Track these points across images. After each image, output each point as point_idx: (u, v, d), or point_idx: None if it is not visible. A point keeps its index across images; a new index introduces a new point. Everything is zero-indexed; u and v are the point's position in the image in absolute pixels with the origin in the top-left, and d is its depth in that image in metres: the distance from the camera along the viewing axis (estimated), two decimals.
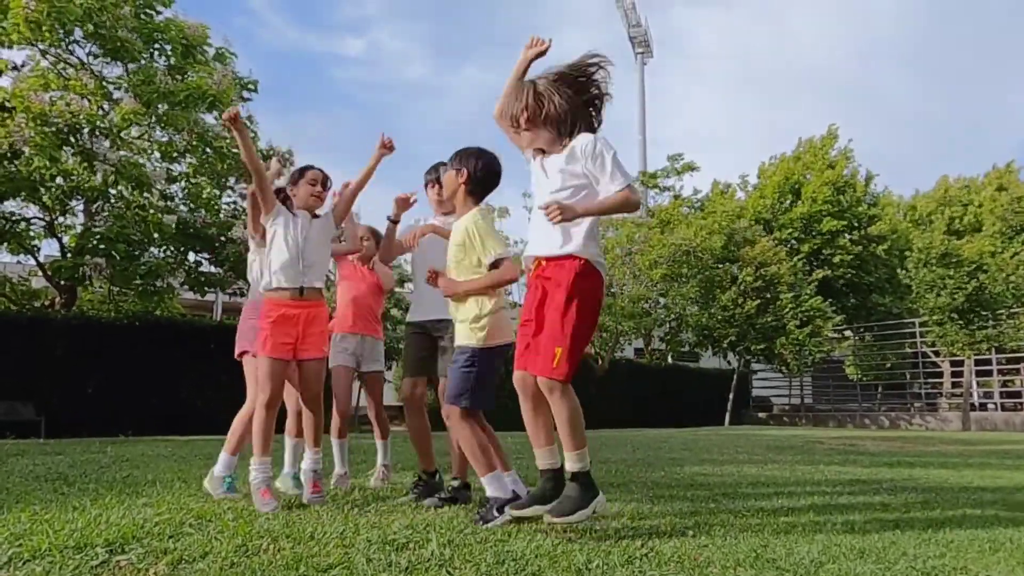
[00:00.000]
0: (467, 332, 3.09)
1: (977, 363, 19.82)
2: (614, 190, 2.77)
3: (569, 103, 2.87)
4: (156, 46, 11.44)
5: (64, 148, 10.08)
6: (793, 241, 24.57)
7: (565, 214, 2.69)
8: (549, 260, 2.82)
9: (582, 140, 2.83)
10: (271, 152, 12.32)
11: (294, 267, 3.46)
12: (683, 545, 2.51)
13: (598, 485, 2.84)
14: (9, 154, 9.68)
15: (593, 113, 2.98)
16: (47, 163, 9.78)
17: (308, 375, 3.51)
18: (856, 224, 25.09)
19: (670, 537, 2.65)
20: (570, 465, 2.74)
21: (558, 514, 2.65)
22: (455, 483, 3.51)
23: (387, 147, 3.70)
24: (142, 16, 11.24)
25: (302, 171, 3.72)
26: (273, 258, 3.49)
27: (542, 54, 3.19)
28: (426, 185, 3.86)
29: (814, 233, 24.86)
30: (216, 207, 12.27)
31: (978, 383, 21.30)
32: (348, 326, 4.30)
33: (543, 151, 2.96)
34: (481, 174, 3.18)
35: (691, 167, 23.35)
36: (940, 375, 22.20)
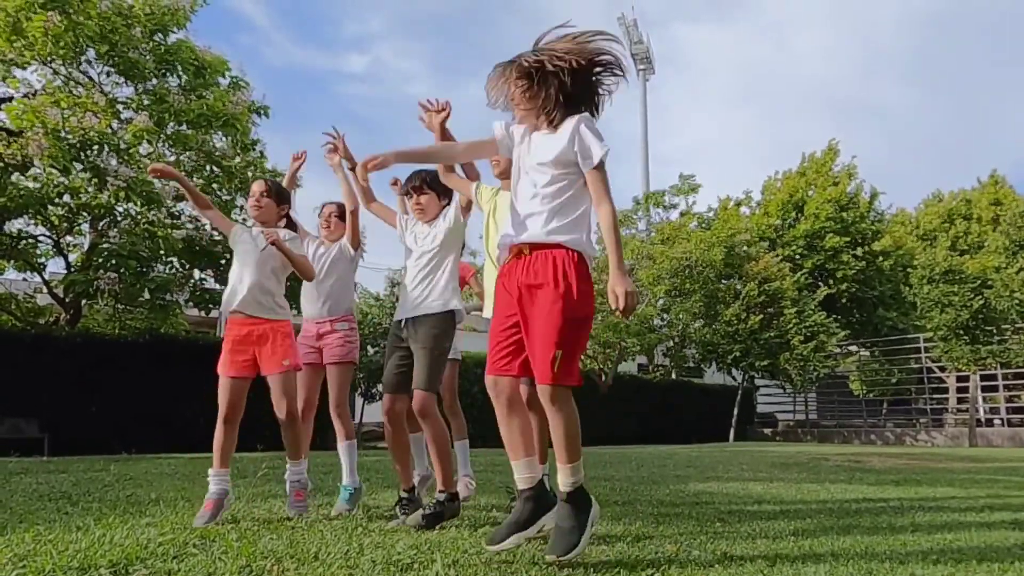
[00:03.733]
0: None
1: (983, 379, 19.73)
2: (586, 169, 2.56)
3: (574, 88, 2.61)
4: (169, 67, 11.55)
5: (75, 163, 10.15)
6: (797, 257, 24.54)
7: (631, 302, 2.45)
8: (535, 248, 2.54)
9: (573, 121, 2.58)
10: (275, 175, 12.40)
11: (235, 282, 3.62)
12: (689, 567, 2.49)
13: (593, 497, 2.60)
14: (20, 165, 9.75)
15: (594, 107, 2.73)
16: (58, 175, 9.86)
17: (271, 390, 3.56)
18: (860, 240, 25.09)
19: (676, 560, 2.63)
20: (565, 479, 2.48)
21: (561, 552, 2.36)
22: (440, 496, 3.38)
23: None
24: (155, 38, 11.35)
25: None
26: (231, 279, 3.66)
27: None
28: (407, 194, 3.73)
29: (818, 249, 24.85)
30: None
31: (984, 399, 21.18)
32: None
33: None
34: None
35: (694, 188, 23.43)
36: (945, 391, 22.09)
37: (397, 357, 3.58)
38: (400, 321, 3.59)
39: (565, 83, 2.58)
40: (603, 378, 18.74)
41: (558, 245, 2.51)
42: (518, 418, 2.57)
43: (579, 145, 2.56)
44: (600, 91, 2.70)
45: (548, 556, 2.38)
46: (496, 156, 3.29)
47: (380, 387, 4.29)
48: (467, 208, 3.69)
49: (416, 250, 3.65)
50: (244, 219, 12.58)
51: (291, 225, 3.90)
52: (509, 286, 2.59)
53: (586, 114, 2.63)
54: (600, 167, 2.58)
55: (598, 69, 2.65)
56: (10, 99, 11.13)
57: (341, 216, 4.14)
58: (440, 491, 3.40)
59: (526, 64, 2.60)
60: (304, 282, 3.96)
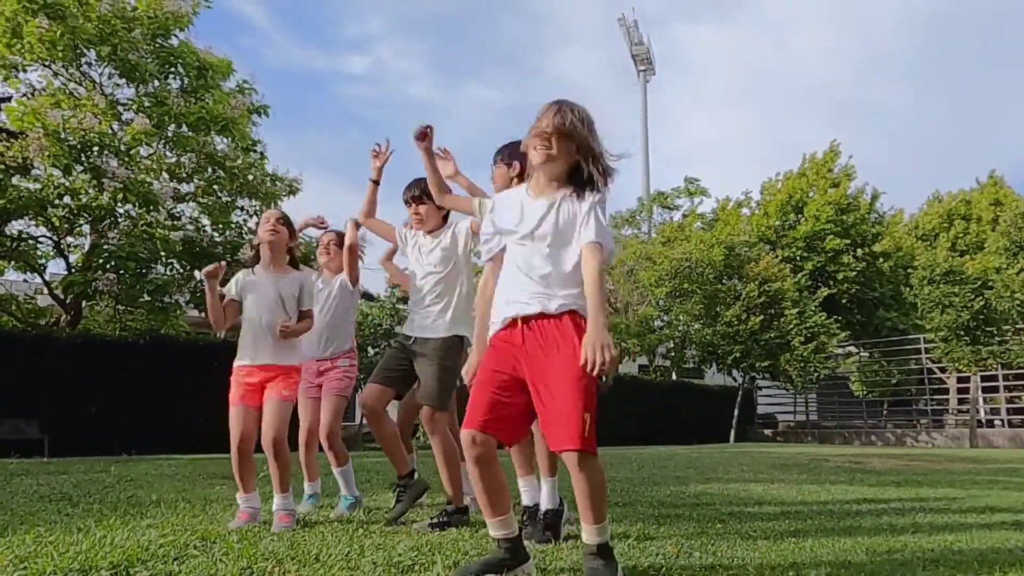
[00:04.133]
0: None
1: (983, 379, 19.73)
2: (584, 241, 2.47)
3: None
4: (172, 69, 11.56)
5: (75, 165, 10.16)
6: (797, 258, 24.54)
7: (608, 348, 2.28)
8: (542, 319, 2.43)
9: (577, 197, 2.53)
10: (276, 176, 12.42)
11: (249, 345, 3.56)
12: (690, 568, 2.49)
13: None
14: (21, 167, 9.75)
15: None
16: (59, 176, 9.86)
17: (265, 419, 3.49)
18: (860, 242, 25.09)
19: (677, 562, 2.63)
20: (594, 539, 2.35)
21: None
22: (449, 508, 3.41)
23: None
24: (158, 41, 11.36)
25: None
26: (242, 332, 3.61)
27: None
28: (407, 203, 3.72)
29: (818, 251, 24.85)
30: (224, 227, 12.29)
31: (984, 399, 21.18)
32: None
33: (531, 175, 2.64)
34: None
35: (704, 192, 23.39)
36: (946, 391, 22.08)
37: (395, 359, 3.60)
38: (410, 337, 3.60)
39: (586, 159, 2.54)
40: (603, 379, 18.72)
41: (570, 312, 2.44)
42: (494, 477, 2.42)
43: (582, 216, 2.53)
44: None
45: None
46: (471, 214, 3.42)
47: None
48: (478, 230, 3.67)
49: (423, 266, 3.63)
50: (244, 221, 12.60)
51: (294, 262, 3.80)
52: (513, 347, 2.46)
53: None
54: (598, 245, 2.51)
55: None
56: (9, 99, 11.15)
57: (340, 244, 4.14)
58: (448, 504, 3.42)
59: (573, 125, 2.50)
60: None
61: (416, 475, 3.75)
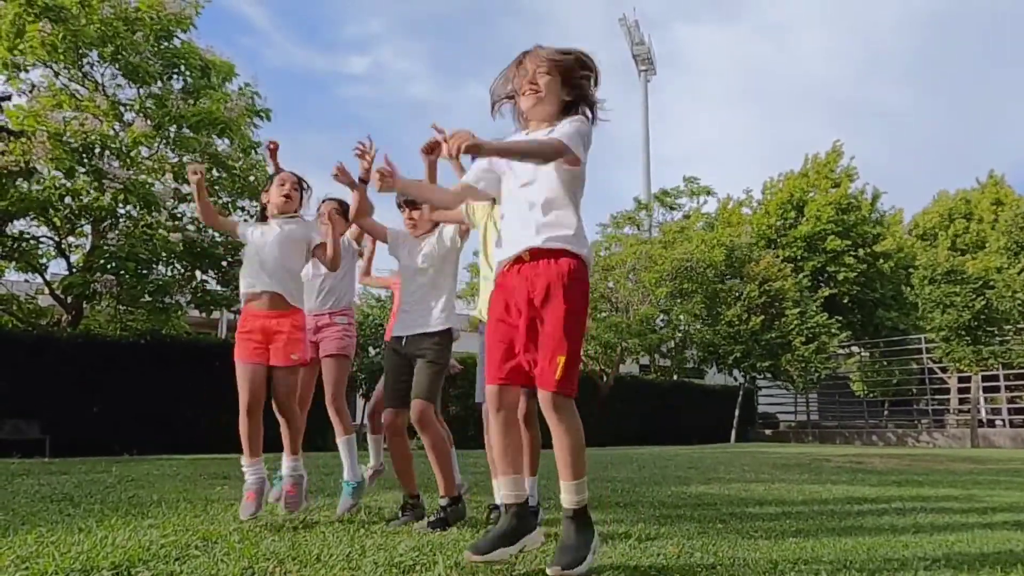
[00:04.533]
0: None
1: (984, 379, 19.72)
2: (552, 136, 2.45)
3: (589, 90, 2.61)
4: (176, 70, 11.57)
5: (77, 167, 10.17)
6: (798, 258, 24.54)
7: (465, 141, 2.24)
8: (536, 253, 2.46)
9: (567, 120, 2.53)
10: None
11: (252, 274, 3.54)
12: (691, 568, 2.49)
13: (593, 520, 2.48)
14: (24, 171, 9.76)
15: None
16: (62, 178, 9.87)
17: (274, 383, 3.50)
18: (861, 242, 25.08)
19: (678, 562, 2.63)
20: (570, 498, 2.38)
21: (567, 565, 2.27)
22: (443, 501, 3.41)
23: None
24: (161, 43, 11.36)
25: (271, 176, 3.79)
26: (245, 268, 3.61)
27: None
28: (400, 207, 3.71)
29: (819, 251, 24.84)
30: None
31: (985, 399, 21.17)
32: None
33: (526, 123, 2.68)
34: None
35: (707, 190, 23.36)
36: (947, 391, 22.07)
37: (398, 372, 3.58)
38: (400, 339, 3.59)
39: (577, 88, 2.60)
40: (604, 379, 18.73)
41: (563, 251, 2.45)
42: (514, 434, 2.48)
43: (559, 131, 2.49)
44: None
45: (551, 569, 2.28)
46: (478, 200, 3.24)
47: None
48: (466, 233, 3.68)
49: (412, 267, 3.64)
50: (246, 220, 12.60)
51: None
52: (508, 293, 2.52)
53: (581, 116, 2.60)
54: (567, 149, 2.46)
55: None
56: (9, 97, 11.15)
57: (342, 213, 4.11)
58: (442, 497, 3.42)
59: (558, 59, 2.59)
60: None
61: (421, 499, 3.73)
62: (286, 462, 3.59)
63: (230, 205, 12.35)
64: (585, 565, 2.30)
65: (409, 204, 3.64)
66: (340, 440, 4.01)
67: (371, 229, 3.83)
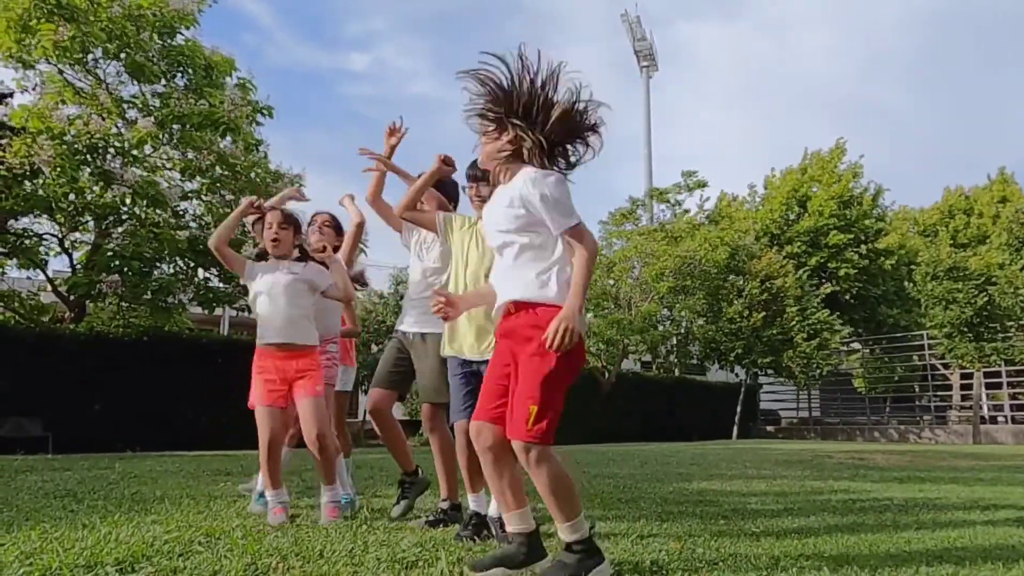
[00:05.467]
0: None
1: (986, 375, 19.70)
2: (556, 233, 2.39)
3: (560, 133, 2.43)
4: (179, 69, 11.56)
5: (82, 167, 10.17)
6: (800, 255, 24.51)
7: (570, 332, 2.25)
8: (520, 306, 2.42)
9: (526, 171, 2.42)
10: (278, 175, 12.39)
11: (263, 324, 3.56)
12: (693, 565, 2.49)
13: (599, 548, 2.40)
14: (28, 173, 9.77)
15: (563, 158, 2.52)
16: (65, 181, 9.87)
17: (304, 417, 3.50)
18: (863, 238, 25.06)
19: (680, 558, 2.63)
20: (567, 536, 2.33)
21: None
22: (444, 504, 3.41)
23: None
24: (165, 41, 11.36)
25: (261, 217, 3.76)
26: (257, 314, 3.61)
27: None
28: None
29: (821, 246, 24.82)
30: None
31: (988, 396, 21.15)
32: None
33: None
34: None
35: (702, 184, 23.29)
36: (949, 388, 22.06)
37: (395, 359, 3.57)
38: (406, 332, 3.57)
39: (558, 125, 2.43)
40: (606, 376, 18.74)
41: (546, 303, 2.37)
42: (508, 472, 2.41)
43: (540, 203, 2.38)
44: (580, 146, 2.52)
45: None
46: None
47: None
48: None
49: (424, 263, 3.59)
50: (246, 229, 12.61)
51: (303, 257, 3.76)
52: (504, 339, 2.49)
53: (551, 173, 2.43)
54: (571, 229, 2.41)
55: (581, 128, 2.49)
56: (11, 94, 11.15)
57: (333, 227, 4.11)
58: (443, 500, 3.43)
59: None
60: None
61: (420, 472, 3.76)
62: (325, 493, 3.51)
63: (233, 204, 12.35)
64: None
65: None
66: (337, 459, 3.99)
67: (384, 213, 3.68)
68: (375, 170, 3.63)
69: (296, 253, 3.70)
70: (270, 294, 3.56)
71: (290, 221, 3.69)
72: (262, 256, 3.70)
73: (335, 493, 3.50)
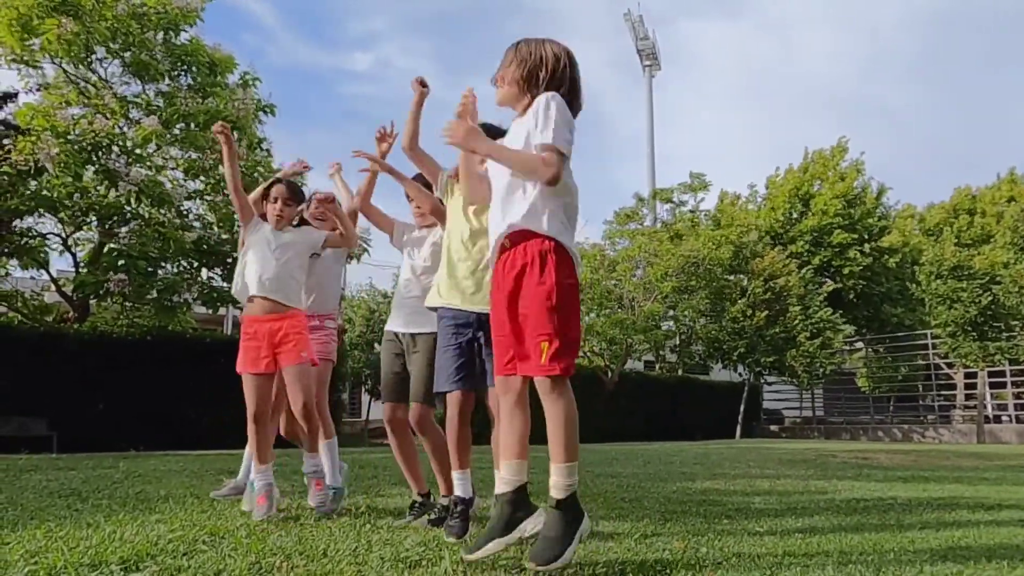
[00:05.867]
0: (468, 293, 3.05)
1: (991, 375, 19.66)
2: (535, 143, 2.43)
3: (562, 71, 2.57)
4: (183, 68, 11.58)
5: (87, 167, 10.20)
6: (804, 253, 24.47)
7: (465, 136, 2.47)
8: (513, 236, 2.46)
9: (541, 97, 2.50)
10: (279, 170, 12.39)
11: (250, 277, 3.58)
12: (696, 565, 2.49)
13: (583, 507, 2.43)
14: (32, 171, 9.79)
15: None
16: (70, 180, 9.89)
17: (289, 385, 3.53)
18: (867, 236, 25.01)
19: (684, 558, 2.63)
20: (559, 481, 2.33)
21: (543, 561, 2.23)
22: (444, 501, 3.36)
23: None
24: (169, 39, 11.38)
25: (267, 189, 3.78)
26: (245, 271, 3.63)
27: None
28: (409, 197, 3.64)
29: (824, 245, 24.78)
30: (232, 224, 12.31)
31: (992, 395, 21.11)
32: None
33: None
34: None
35: (705, 186, 23.27)
36: (953, 387, 22.02)
37: (397, 366, 3.53)
38: (398, 333, 3.55)
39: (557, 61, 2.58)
40: (609, 375, 18.73)
41: (534, 234, 2.43)
42: (520, 417, 2.49)
43: (539, 117, 2.47)
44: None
45: (528, 563, 2.27)
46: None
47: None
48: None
49: (414, 261, 3.60)
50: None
51: (303, 223, 3.87)
52: (500, 284, 2.52)
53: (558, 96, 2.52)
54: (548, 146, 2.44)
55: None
56: (16, 94, 11.18)
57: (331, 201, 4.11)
58: (444, 496, 3.39)
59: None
60: None
61: (432, 497, 3.65)
62: (306, 459, 3.63)
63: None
64: (566, 556, 2.27)
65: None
66: (321, 444, 3.99)
67: (375, 218, 3.80)
68: (369, 171, 3.70)
69: (296, 222, 3.78)
70: (262, 248, 3.60)
71: (296, 199, 3.74)
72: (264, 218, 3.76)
73: (316, 461, 3.58)
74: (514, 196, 2.50)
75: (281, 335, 3.51)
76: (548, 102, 2.45)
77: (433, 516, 3.31)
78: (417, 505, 3.55)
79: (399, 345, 3.54)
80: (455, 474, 3.14)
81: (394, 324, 3.59)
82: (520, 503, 2.43)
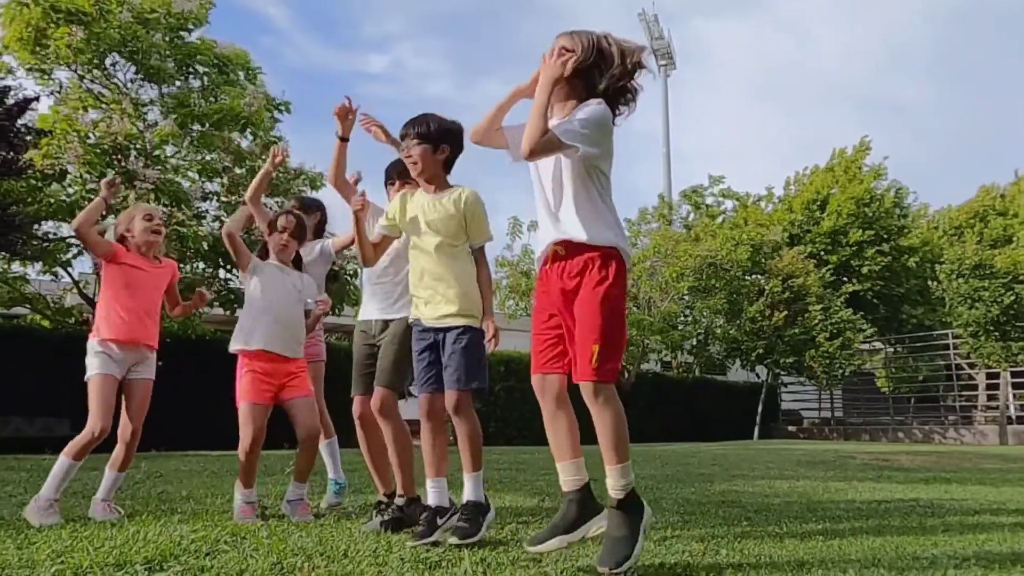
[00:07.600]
0: (467, 306, 2.98)
1: (1013, 375, 19.38)
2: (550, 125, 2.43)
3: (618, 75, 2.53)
4: (191, 69, 11.68)
5: (108, 169, 10.34)
6: (822, 253, 24.26)
7: (553, 68, 2.43)
8: (572, 247, 2.48)
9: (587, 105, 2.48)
10: (299, 172, 12.44)
11: (253, 328, 3.59)
12: (716, 567, 2.48)
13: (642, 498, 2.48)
14: (56, 175, 9.92)
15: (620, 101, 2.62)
16: (95, 178, 10.02)
17: (299, 415, 3.56)
18: (886, 235, 24.74)
19: (703, 561, 2.62)
20: (615, 482, 2.39)
21: (614, 564, 2.24)
22: (400, 500, 3.26)
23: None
24: (176, 41, 11.48)
25: (272, 222, 3.77)
26: (251, 313, 3.63)
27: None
28: (391, 183, 3.53)
29: (842, 245, 24.55)
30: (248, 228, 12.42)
31: (1014, 396, 20.80)
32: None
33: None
34: (458, 151, 3.13)
35: (737, 196, 23.15)
36: (975, 387, 21.72)
37: (366, 357, 3.47)
38: (370, 320, 3.49)
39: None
40: (626, 376, 18.68)
41: (601, 245, 2.46)
42: (565, 418, 2.53)
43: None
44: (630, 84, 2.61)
45: (601, 568, 2.26)
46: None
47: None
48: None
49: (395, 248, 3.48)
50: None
51: (298, 264, 3.81)
52: (549, 287, 2.55)
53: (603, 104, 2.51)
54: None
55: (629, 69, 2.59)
56: (37, 98, 11.34)
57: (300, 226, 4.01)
58: (399, 495, 3.28)
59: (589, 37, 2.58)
60: None
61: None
62: (292, 488, 3.59)
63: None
64: (635, 554, 2.31)
65: (402, 176, 3.38)
66: (322, 444, 4.01)
67: (346, 194, 3.63)
68: (369, 126, 3.70)
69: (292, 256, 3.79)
70: (275, 299, 3.59)
71: (301, 232, 3.77)
72: (263, 255, 3.73)
73: (302, 492, 3.59)
74: (560, 206, 2.51)
75: (287, 374, 3.59)
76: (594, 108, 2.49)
77: (386, 518, 3.15)
78: (382, 505, 3.44)
79: (371, 333, 3.48)
80: (429, 482, 3.01)
81: (366, 312, 3.53)
82: (585, 502, 2.46)
